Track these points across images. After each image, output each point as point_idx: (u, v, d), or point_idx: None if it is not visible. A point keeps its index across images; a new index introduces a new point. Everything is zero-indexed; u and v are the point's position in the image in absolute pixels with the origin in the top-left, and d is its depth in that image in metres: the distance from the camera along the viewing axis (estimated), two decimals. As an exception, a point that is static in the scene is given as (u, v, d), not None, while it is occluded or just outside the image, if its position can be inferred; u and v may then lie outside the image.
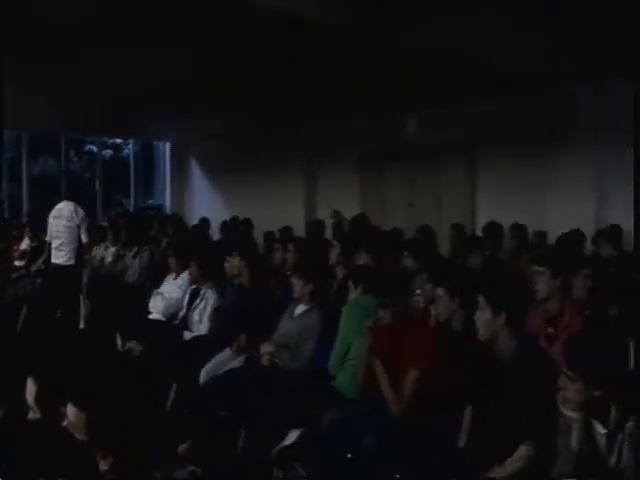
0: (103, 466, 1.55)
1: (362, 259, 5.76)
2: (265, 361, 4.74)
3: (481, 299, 3.41)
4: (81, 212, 7.47)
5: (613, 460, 2.73)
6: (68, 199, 7.56)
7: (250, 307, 5.36)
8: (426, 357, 3.77)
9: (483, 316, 3.37)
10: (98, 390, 1.63)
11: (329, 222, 9.23)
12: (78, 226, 7.39)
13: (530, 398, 3.02)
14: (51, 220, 7.47)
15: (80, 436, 1.57)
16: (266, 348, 4.81)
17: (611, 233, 6.65)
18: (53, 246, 7.32)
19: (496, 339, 3.35)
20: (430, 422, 3.55)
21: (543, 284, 4.26)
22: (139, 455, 1.58)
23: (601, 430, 2.78)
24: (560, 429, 2.87)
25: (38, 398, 1.94)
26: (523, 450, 3.05)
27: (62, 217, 7.43)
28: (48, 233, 7.48)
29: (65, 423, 1.69)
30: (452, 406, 3.59)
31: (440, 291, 4.25)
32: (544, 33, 6.14)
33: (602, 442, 2.78)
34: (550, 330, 4.17)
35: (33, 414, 1.95)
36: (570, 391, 2.75)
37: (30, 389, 1.97)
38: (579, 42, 6.27)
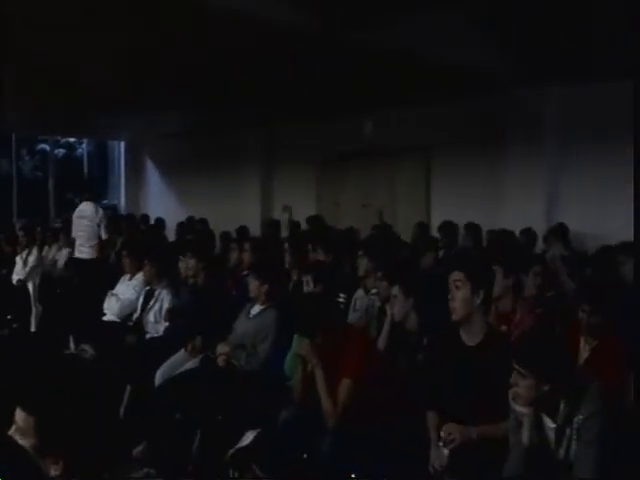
0: (54, 471, 1.52)
1: (319, 258, 5.78)
2: (221, 362, 4.72)
3: (460, 275, 3.32)
4: (100, 211, 8.12)
5: (562, 453, 2.80)
6: (88, 200, 8.20)
7: (206, 307, 5.33)
8: (360, 365, 3.72)
9: (461, 294, 3.30)
10: (47, 393, 1.60)
11: (285, 222, 9.25)
12: (98, 225, 7.98)
13: (494, 386, 3.03)
14: (75, 220, 8.12)
15: (29, 441, 1.54)
16: (222, 349, 4.78)
17: (560, 232, 6.78)
18: (77, 243, 7.95)
19: (471, 319, 3.31)
20: (374, 428, 3.55)
21: (497, 283, 4.31)
22: (91, 459, 1.55)
23: (550, 424, 2.83)
24: (511, 424, 2.92)
25: None
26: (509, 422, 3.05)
27: (84, 217, 8.03)
28: (73, 231, 8.11)
29: (13, 429, 1.65)
30: (397, 410, 3.62)
31: (395, 290, 4.28)
32: (497, 35, 6.24)
33: (551, 436, 2.83)
34: (503, 328, 4.24)
35: None
36: (521, 387, 2.79)
37: None
38: (533, 44, 6.39)
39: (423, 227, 8.38)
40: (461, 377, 3.25)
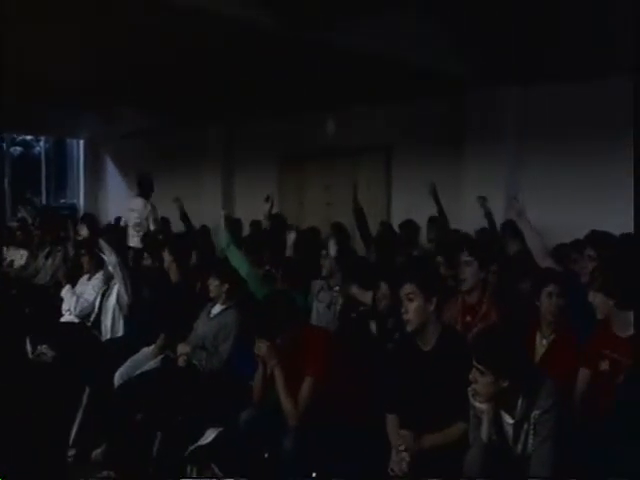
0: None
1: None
2: (181, 362, 4.69)
3: (412, 288, 3.35)
4: (149, 206, 8.68)
5: (519, 448, 2.84)
6: (139, 195, 8.72)
7: (171, 305, 5.29)
8: (322, 363, 3.75)
9: (414, 305, 3.33)
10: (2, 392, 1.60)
11: (247, 222, 9.20)
12: (146, 218, 8.59)
13: (451, 387, 3.07)
14: (127, 212, 8.83)
15: None
16: (182, 349, 4.76)
17: (515, 229, 6.84)
18: (130, 233, 8.52)
19: (426, 327, 3.35)
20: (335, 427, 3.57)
21: (471, 274, 4.34)
22: (46, 457, 1.56)
23: (509, 420, 2.88)
24: (470, 421, 2.96)
25: None
26: (460, 426, 3.10)
27: (135, 210, 8.63)
28: (123, 222, 8.89)
29: None
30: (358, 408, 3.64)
31: (354, 288, 4.31)
32: (456, 35, 6.32)
33: (510, 432, 2.88)
34: (468, 319, 4.29)
35: None
36: (480, 384, 2.83)
37: None
38: (491, 43, 6.47)
39: (387, 226, 8.41)
40: (417, 381, 3.29)
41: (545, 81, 7.67)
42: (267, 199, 6.40)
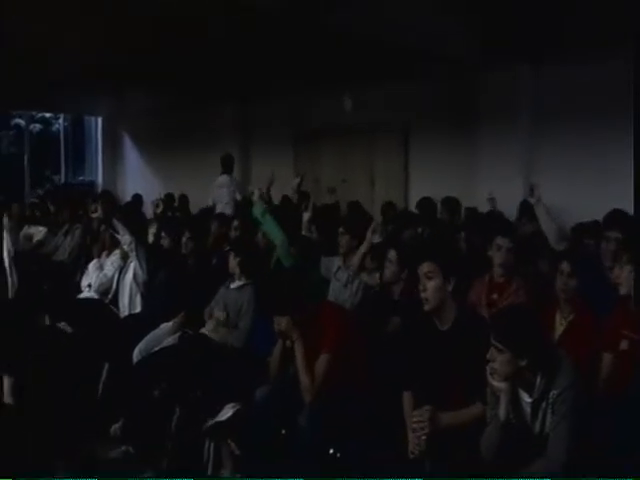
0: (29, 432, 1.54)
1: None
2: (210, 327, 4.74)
3: (432, 266, 3.36)
4: (234, 181, 9.51)
5: (537, 427, 2.84)
6: (224, 173, 9.42)
7: (190, 284, 5.32)
8: (338, 340, 3.75)
9: (433, 284, 3.33)
10: (25, 358, 1.64)
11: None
12: (234, 191, 9.34)
13: (470, 366, 3.06)
14: (215, 189, 9.36)
15: (7, 400, 1.57)
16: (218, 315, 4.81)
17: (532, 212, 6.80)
18: (218, 209, 8.95)
19: (443, 306, 3.35)
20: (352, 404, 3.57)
21: (502, 255, 4.33)
22: (65, 425, 1.58)
23: (527, 399, 2.87)
24: (488, 400, 2.95)
25: None
26: (479, 406, 3.09)
27: (224, 186, 9.31)
28: (211, 199, 9.29)
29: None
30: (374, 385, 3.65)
31: (392, 254, 4.30)
32: (471, 16, 6.26)
33: (527, 410, 2.87)
34: (494, 296, 4.27)
35: None
36: (498, 362, 2.82)
37: None
38: (508, 24, 6.39)
39: (393, 207, 8.39)
40: (435, 361, 3.28)
41: (560, 61, 7.58)
42: (297, 175, 6.55)
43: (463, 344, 3.19)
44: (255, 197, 5.36)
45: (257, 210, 5.23)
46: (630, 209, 4.91)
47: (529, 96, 8.04)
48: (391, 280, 4.34)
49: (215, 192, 9.41)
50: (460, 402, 3.18)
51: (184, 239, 5.74)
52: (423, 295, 3.35)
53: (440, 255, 3.46)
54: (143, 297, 5.69)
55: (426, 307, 3.36)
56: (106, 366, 4.96)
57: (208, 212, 8.66)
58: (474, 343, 3.01)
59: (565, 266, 3.85)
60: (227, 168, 9.49)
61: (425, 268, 3.37)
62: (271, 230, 5.15)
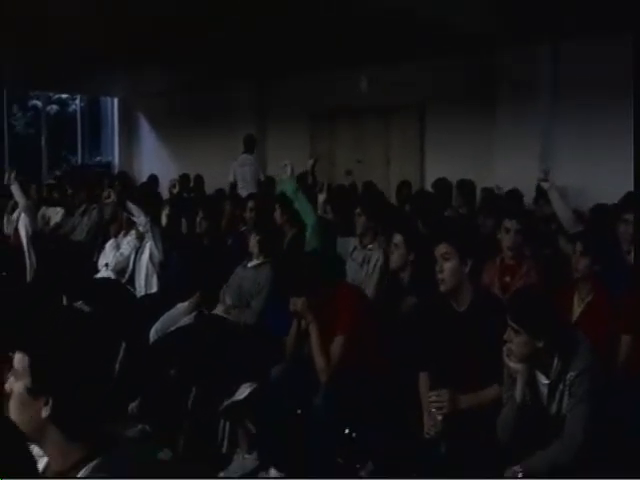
0: (44, 412, 1.56)
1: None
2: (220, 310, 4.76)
3: (448, 248, 3.36)
4: (257, 161, 9.80)
5: (554, 409, 2.82)
6: (245, 152, 9.67)
7: (205, 264, 5.33)
8: (354, 321, 3.74)
9: (449, 265, 3.33)
10: (42, 334, 1.64)
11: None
12: (256, 169, 9.64)
13: (486, 348, 3.05)
14: (237, 168, 9.57)
15: (23, 382, 1.59)
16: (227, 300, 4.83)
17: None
18: (240, 186, 9.26)
19: (460, 287, 3.35)
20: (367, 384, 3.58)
21: (510, 238, 4.31)
22: (83, 405, 1.59)
23: (544, 381, 2.86)
24: (504, 381, 2.94)
25: None
26: (496, 388, 3.08)
27: (246, 165, 9.58)
28: (232, 177, 9.52)
29: (9, 374, 1.70)
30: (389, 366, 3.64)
31: (397, 239, 4.28)
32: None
33: (544, 392, 2.86)
34: (507, 279, 4.26)
35: None
36: (515, 343, 2.81)
37: None
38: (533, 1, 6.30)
39: (409, 186, 8.35)
40: (452, 341, 3.28)
41: (580, 40, 7.47)
42: (312, 156, 6.51)
43: (480, 325, 3.18)
44: (287, 174, 5.29)
45: (289, 188, 5.17)
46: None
47: (548, 76, 7.95)
48: (399, 264, 4.29)
49: (237, 170, 9.60)
50: (476, 383, 3.17)
51: (198, 219, 5.75)
52: (440, 276, 3.34)
53: (457, 236, 3.45)
54: (159, 277, 5.72)
55: (442, 288, 3.35)
56: (123, 345, 4.99)
57: (223, 193, 8.67)
58: (491, 324, 3.00)
59: (578, 246, 3.83)
60: (249, 148, 9.68)
61: (442, 249, 3.37)
62: (303, 209, 5.09)
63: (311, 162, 6.45)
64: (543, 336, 2.77)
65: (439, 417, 3.12)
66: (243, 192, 8.73)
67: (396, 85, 9.29)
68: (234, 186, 9.39)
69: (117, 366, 4.81)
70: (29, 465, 1.18)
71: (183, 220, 6.15)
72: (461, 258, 3.33)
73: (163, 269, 5.71)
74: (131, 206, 5.87)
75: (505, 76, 8.20)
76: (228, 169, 9.69)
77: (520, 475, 2.69)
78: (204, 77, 10.73)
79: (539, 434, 2.80)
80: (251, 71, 10.23)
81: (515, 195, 6.80)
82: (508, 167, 7.68)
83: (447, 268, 3.32)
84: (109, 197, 6.53)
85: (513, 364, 2.84)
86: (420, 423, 3.25)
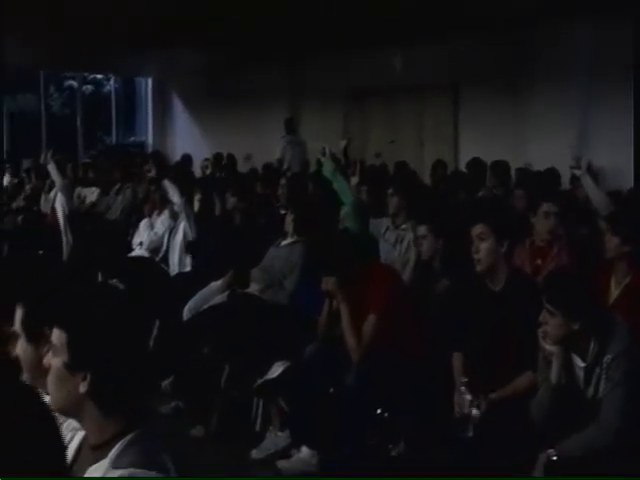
0: (82, 388, 1.58)
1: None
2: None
3: (484, 228, 3.35)
4: (301, 141, 10.21)
5: (590, 392, 2.79)
6: (289, 133, 10.21)
7: (238, 243, 5.36)
8: (386, 301, 3.73)
9: (485, 246, 3.32)
10: (80, 312, 1.67)
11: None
12: (302, 149, 10.06)
13: (521, 328, 3.02)
14: (285, 146, 10.02)
15: (62, 358, 1.61)
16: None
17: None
18: (286, 165, 9.63)
19: (495, 268, 3.33)
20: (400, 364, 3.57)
21: (549, 221, 4.26)
22: (119, 380, 1.61)
23: (580, 364, 2.82)
24: (539, 363, 2.91)
25: (24, 322, 1.99)
26: (529, 375, 3.07)
27: (292, 144, 10.04)
28: (279, 153, 9.89)
29: (46, 349, 1.75)
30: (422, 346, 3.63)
31: (423, 230, 4.24)
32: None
33: (580, 375, 2.82)
34: (538, 262, 4.21)
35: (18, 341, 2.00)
36: (550, 325, 2.78)
37: (17, 315, 2.01)
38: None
39: (443, 165, 8.25)
40: (487, 321, 3.26)
41: (613, 14, 7.27)
42: (344, 137, 6.49)
43: (515, 305, 3.16)
44: (325, 155, 5.28)
45: (327, 168, 5.16)
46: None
47: (585, 54, 7.77)
48: (429, 254, 4.23)
49: (285, 149, 9.98)
50: (511, 364, 3.15)
51: (231, 199, 5.77)
52: (475, 256, 3.33)
53: (493, 217, 3.42)
54: (192, 256, 5.76)
55: (478, 268, 3.34)
56: (157, 323, 5.04)
57: (255, 172, 8.68)
58: (526, 304, 2.97)
59: (607, 226, 3.77)
60: (292, 127, 10.19)
61: (478, 229, 3.36)
62: (341, 189, 5.07)
63: (343, 143, 6.41)
64: (579, 318, 2.73)
65: (474, 412, 3.11)
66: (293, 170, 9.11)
67: (430, 65, 9.17)
68: (281, 162, 9.67)
69: (151, 343, 4.86)
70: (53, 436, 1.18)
71: (216, 200, 6.16)
72: (497, 238, 3.31)
73: (192, 248, 5.74)
74: (168, 185, 5.91)
75: (540, 56, 8.05)
76: (261, 148, 9.70)
77: (554, 459, 2.67)
78: (237, 57, 10.71)
79: (574, 418, 2.77)
80: (284, 51, 10.19)
81: (552, 175, 6.69)
82: (543, 147, 7.55)
83: (483, 248, 3.31)
84: (150, 171, 6.59)
85: (548, 346, 2.80)
86: (451, 403, 3.24)
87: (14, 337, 2.03)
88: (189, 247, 5.84)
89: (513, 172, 7.55)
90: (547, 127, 7.89)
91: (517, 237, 4.24)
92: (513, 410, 3.02)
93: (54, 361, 1.63)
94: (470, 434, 3.07)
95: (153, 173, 6.54)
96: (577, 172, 4.92)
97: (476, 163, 7.57)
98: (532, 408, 2.86)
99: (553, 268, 3.94)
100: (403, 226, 5.03)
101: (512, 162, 7.58)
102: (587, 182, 4.78)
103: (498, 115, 8.75)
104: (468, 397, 3.13)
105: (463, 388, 3.17)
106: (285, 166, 9.54)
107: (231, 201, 5.81)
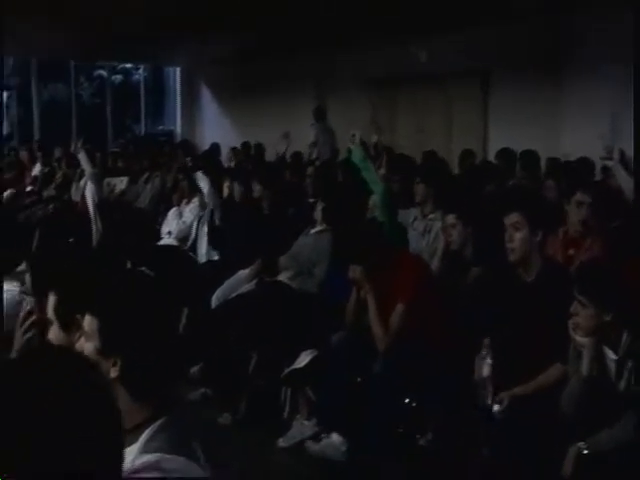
0: (113, 373, 1.60)
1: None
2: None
3: (519, 217, 3.31)
4: (331, 129, 10.13)
5: (622, 385, 2.74)
6: (319, 121, 10.20)
7: (266, 232, 5.37)
8: (414, 290, 3.71)
9: (519, 235, 3.28)
10: (111, 298, 1.69)
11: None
12: (332, 137, 9.94)
13: (553, 319, 2.99)
14: (318, 132, 10.05)
15: (93, 344, 1.64)
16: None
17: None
18: (322, 151, 9.66)
19: (529, 257, 3.30)
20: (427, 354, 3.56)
21: (582, 211, 4.19)
22: (149, 366, 1.63)
23: (612, 356, 2.78)
24: (570, 355, 2.88)
25: (56, 309, 2.03)
26: (559, 367, 3.04)
27: (323, 131, 10.00)
28: (315, 137, 9.91)
29: (78, 335, 1.80)
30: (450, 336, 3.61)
31: (451, 219, 4.20)
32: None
33: (612, 368, 2.78)
34: (571, 252, 4.16)
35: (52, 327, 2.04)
36: (581, 317, 2.74)
37: (50, 301, 2.06)
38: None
39: (472, 155, 8.17)
40: (519, 310, 3.22)
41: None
42: (375, 131, 6.46)
43: (548, 296, 3.12)
44: (355, 142, 5.24)
45: (356, 156, 5.13)
46: None
47: (623, 41, 7.61)
48: (459, 243, 4.15)
49: (318, 136, 9.98)
50: (541, 355, 3.12)
51: (258, 188, 5.77)
52: (509, 245, 3.29)
53: (527, 206, 3.37)
54: (214, 246, 5.79)
55: (511, 257, 3.30)
56: (185, 311, 5.09)
57: (284, 160, 8.68)
58: (558, 295, 2.93)
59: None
60: (321, 116, 10.19)
61: (512, 218, 3.31)
62: (370, 177, 5.04)
63: (375, 138, 6.38)
64: (611, 309, 2.70)
65: (496, 407, 3.10)
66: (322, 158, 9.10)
67: (459, 52, 9.06)
68: (315, 145, 9.81)
69: (180, 331, 4.90)
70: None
71: (243, 189, 6.17)
72: (531, 228, 3.27)
73: (213, 237, 5.77)
74: (200, 176, 5.93)
75: (575, 42, 7.91)
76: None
77: (585, 452, 2.64)
78: (265, 46, 10.70)
79: (606, 411, 2.73)
80: (312, 40, 10.15)
81: (585, 165, 6.59)
82: (576, 136, 7.44)
83: (517, 238, 3.28)
84: (182, 160, 6.66)
85: (579, 338, 2.76)
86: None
87: (49, 323, 2.06)
88: (210, 236, 5.87)
89: (543, 162, 7.46)
90: (581, 116, 7.76)
91: (551, 227, 4.19)
92: (542, 402, 2.98)
93: (86, 347, 1.66)
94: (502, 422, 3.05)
95: (189, 162, 6.59)
96: (609, 163, 4.85)
97: (506, 153, 7.50)
98: (562, 400, 2.83)
99: (585, 259, 3.89)
100: (431, 215, 5.00)
101: (544, 152, 7.49)
102: (620, 173, 4.71)
103: (529, 103, 8.63)
104: (489, 361, 3.12)
105: (484, 352, 3.15)
106: (315, 154, 9.53)
107: (258, 189, 5.82)
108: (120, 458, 1.11)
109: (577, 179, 5.44)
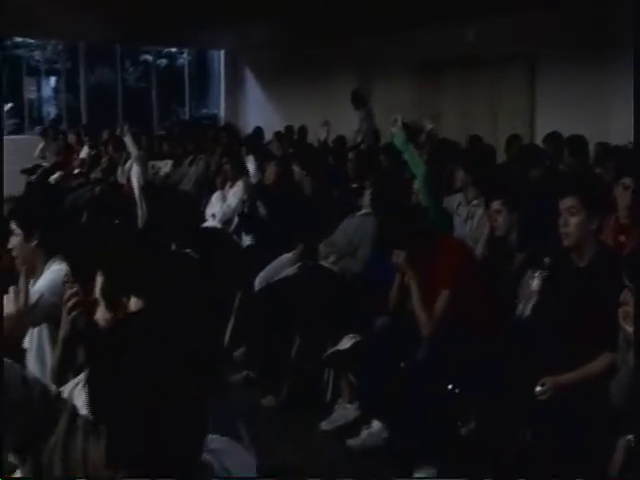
0: None
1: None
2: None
3: (575, 202, 3.22)
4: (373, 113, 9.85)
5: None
6: (361, 107, 9.80)
7: (309, 216, 5.38)
8: (458, 276, 3.67)
9: (575, 221, 3.20)
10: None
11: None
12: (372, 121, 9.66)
13: (605, 306, 2.94)
14: (362, 119, 9.72)
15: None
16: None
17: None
18: (360, 137, 9.53)
19: (583, 243, 3.23)
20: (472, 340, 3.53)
21: (629, 196, 4.07)
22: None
23: (663, 347, 2.71)
24: (620, 345, 2.82)
25: (103, 290, 2.05)
26: (608, 356, 2.98)
27: (364, 116, 9.67)
28: (359, 125, 9.65)
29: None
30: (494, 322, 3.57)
31: (497, 205, 4.14)
32: None
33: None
34: (622, 239, 4.07)
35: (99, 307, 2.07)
36: (631, 306, 2.67)
37: (98, 282, 2.08)
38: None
39: (519, 140, 8.02)
40: (571, 296, 3.17)
41: None
42: (431, 120, 6.40)
43: (600, 282, 3.05)
44: (397, 125, 5.19)
45: (398, 139, 5.08)
46: None
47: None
48: (505, 229, 4.08)
49: (362, 122, 9.74)
50: (590, 342, 3.06)
51: (300, 172, 5.77)
52: (564, 230, 3.22)
53: (584, 190, 3.30)
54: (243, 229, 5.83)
55: (565, 242, 3.23)
56: (239, 294, 5.13)
57: (326, 144, 8.66)
58: (612, 282, 2.87)
59: None
60: (361, 102, 9.87)
61: (568, 202, 3.22)
62: (413, 160, 5.00)
63: (428, 128, 6.32)
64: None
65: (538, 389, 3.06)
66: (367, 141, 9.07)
67: (505, 35, 8.91)
68: (360, 132, 9.59)
69: (233, 315, 4.94)
70: None
71: (287, 172, 6.18)
72: (588, 215, 3.19)
73: (244, 220, 5.79)
74: (250, 159, 5.96)
75: (621, 25, 7.70)
76: (333, 121, 9.66)
77: (634, 445, 2.59)
78: (310, 30, 10.65)
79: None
80: (357, 24, 10.07)
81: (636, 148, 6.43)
82: (624, 120, 7.25)
83: (573, 223, 3.19)
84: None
85: (629, 327, 2.70)
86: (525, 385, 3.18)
87: (96, 304, 2.09)
88: (241, 219, 5.90)
89: (591, 147, 7.31)
90: (629, 99, 7.55)
91: (605, 212, 4.11)
92: (590, 391, 2.94)
93: None
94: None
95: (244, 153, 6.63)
96: None
97: (553, 137, 7.35)
98: (611, 390, 2.78)
99: (636, 246, 3.80)
100: (474, 202, 4.94)
101: (592, 136, 7.32)
102: None
103: (577, 87, 8.44)
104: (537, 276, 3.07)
105: (530, 272, 3.11)
106: (359, 138, 9.44)
107: (298, 173, 5.82)
108: None
109: (626, 163, 5.31)
